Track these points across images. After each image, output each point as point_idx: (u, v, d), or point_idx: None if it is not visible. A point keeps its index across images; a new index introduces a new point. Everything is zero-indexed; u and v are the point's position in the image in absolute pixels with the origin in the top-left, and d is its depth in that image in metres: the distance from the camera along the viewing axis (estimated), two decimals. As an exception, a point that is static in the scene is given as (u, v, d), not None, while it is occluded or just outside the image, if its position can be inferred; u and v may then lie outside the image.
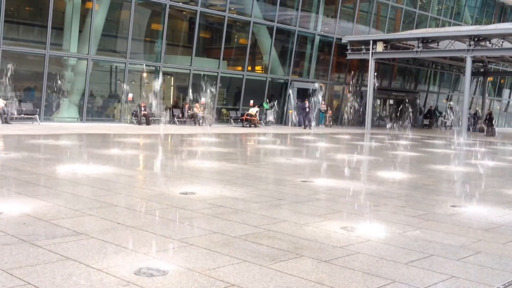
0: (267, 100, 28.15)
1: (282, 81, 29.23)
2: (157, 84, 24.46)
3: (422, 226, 5.63)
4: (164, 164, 10.09)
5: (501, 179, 10.19)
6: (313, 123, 26.84)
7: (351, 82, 32.79)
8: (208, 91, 26.31)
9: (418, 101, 37.29)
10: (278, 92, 29.35)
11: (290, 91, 28.83)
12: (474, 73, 35.39)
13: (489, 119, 30.33)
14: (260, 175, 9.18)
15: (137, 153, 12.53)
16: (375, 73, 29.66)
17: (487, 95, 39.11)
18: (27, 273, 3.68)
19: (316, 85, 30.02)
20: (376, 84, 31.32)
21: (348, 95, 33.34)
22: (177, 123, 24.33)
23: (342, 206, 6.49)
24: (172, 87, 27.48)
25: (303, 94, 28.72)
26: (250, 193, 7.17)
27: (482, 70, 37.05)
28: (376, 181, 8.92)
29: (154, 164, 10.38)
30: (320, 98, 30.43)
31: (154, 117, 23.71)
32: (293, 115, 28.48)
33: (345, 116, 33.40)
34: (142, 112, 22.64)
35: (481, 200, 7.41)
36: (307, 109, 26.75)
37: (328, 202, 6.75)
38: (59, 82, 22.36)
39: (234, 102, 28.24)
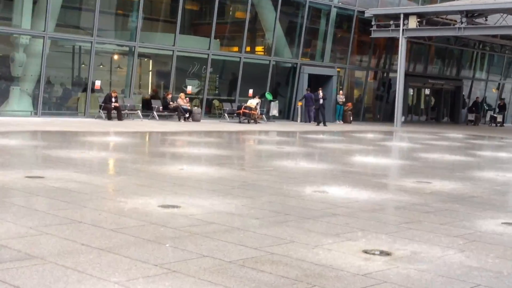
0: (271, 90, 28.22)
1: (290, 65, 29.29)
2: (132, 68, 24.51)
3: (466, 248, 5.63)
4: (140, 170, 10.09)
5: None
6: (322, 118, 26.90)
7: (376, 66, 32.87)
8: (196, 77, 26.39)
9: (461, 91, 37.32)
10: (284, 79, 29.42)
11: (300, 78, 28.89)
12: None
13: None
14: (261, 183, 9.17)
15: (107, 156, 12.53)
16: (407, 56, 29.70)
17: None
18: (-32, 307, 3.68)
19: (333, 70, 30.09)
20: (408, 70, 31.37)
21: (373, 83, 33.43)
22: (157, 117, 24.39)
23: (364, 223, 6.49)
24: (150, 72, 27.54)
25: (316, 82, 28.80)
26: (248, 206, 7.18)
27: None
28: (408, 191, 8.92)
29: (128, 170, 10.38)
30: (336, 87, 30.49)
31: (127, 110, 23.78)
32: (302, 108, 28.53)
33: (369, 109, 33.50)
34: (113, 104, 22.67)
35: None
36: (321, 101, 26.77)
37: (347, 218, 6.75)
38: (8, 66, 22.41)
39: (229, 92, 28.31)
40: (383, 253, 5.30)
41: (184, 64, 25.88)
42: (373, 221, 6.63)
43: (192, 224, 6.11)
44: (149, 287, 4.16)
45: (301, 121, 28.59)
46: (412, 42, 32.31)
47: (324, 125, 26.32)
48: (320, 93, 26.98)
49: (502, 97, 39.12)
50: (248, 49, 28.13)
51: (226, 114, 26.33)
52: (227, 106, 26.65)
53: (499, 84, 39.83)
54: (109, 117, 22.69)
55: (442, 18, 29.72)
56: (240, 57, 27.22)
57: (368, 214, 7.04)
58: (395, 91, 29.51)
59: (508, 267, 5.09)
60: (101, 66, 25.05)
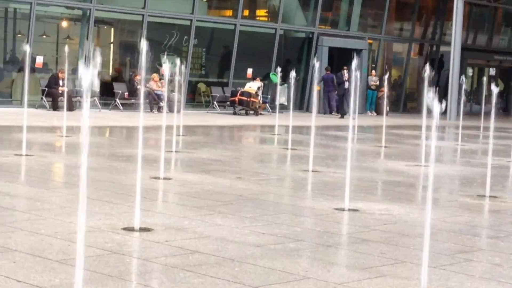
0: (277, 70, 28.24)
1: (304, 35, 29.28)
2: (87, 40, 24.50)
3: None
4: (97, 179, 10.07)
5: None
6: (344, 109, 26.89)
7: (422, 37, 32.86)
8: (175, 52, 26.37)
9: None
10: (296, 54, 29.43)
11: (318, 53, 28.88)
12: None
13: None
14: (264, 198, 9.15)
15: (51, 161, 12.51)
16: (464, 23, 29.64)
17: None
18: None
19: (363, 42, 30.09)
20: (466, 42, 31.33)
21: (417, 60, 33.42)
22: (121, 107, 24.38)
23: (406, 253, 6.48)
24: (112, 45, 27.53)
25: (339, 58, 28.80)
26: (247, 229, 7.16)
27: None
28: (467, 209, 8.91)
29: (80, 178, 10.35)
30: (368, 65, 30.47)
31: (80, 97, 23.75)
32: (320, 94, 28.54)
33: (412, 96, 33.47)
34: (60, 88, 22.66)
35: None
36: (347, 84, 26.79)
37: (382, 245, 6.74)
38: None
39: (219, 73, 28.32)
40: (431, 293, 5.29)
41: (159, 34, 25.87)
42: (417, 250, 6.60)
43: (169, 253, 6.10)
44: None
45: (319, 112, 28.59)
46: (472, 4, 32.29)
47: (342, 116, 26.32)
48: (345, 74, 27.00)
49: None
50: (246, 13, 28.15)
51: (215, 103, 26.33)
52: (217, 92, 26.65)
53: None
54: (55, 107, 22.71)
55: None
56: (235, 24, 27.22)
57: (411, 240, 7.02)
58: (448, 71, 29.50)
59: None
60: (44, 37, 25.06)
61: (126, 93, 24.63)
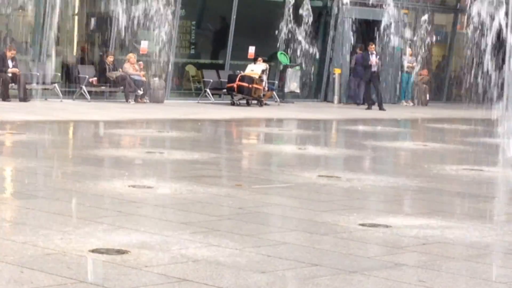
0: (287, 49, 28.26)
1: (320, 3, 29.31)
2: (44, 11, 24.53)
3: None
4: (60, 188, 10.10)
5: None
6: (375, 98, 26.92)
7: (469, 8, 32.85)
8: (156, 28, 26.36)
9: None
10: (310, 28, 29.43)
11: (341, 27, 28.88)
12: None
13: None
14: (270, 211, 9.18)
15: (1, 165, 12.54)
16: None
17: None
18: None
19: (396, 12, 30.08)
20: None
21: (466, 36, 33.38)
22: (88, 96, 24.41)
23: (450, 280, 6.50)
24: (76, 18, 27.56)
25: (366, 34, 28.82)
26: (248, 251, 7.19)
27: None
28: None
29: (39, 188, 10.40)
30: (402, 43, 30.48)
31: (37, 83, 23.78)
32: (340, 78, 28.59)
33: (459, 82, 33.46)
34: (10, 70, 22.66)
35: None
36: (375, 68, 26.78)
37: (420, 270, 6.77)
38: None
39: (213, 52, 28.36)
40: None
41: (137, 2, 25.88)
42: (465, 277, 6.63)
43: (150, 282, 6.12)
44: None
45: (339, 101, 28.63)
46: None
47: (380, 108, 26.30)
48: (373, 54, 26.93)
49: None
50: (246, -23, 28.21)
51: (208, 91, 26.36)
52: (210, 77, 26.69)
53: None
54: (4, 96, 22.72)
55: None
56: (233, -8, 27.28)
57: (457, 264, 7.05)
58: (507, 52, 29.50)
59: None
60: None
61: (95, 79, 24.65)
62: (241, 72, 25.78)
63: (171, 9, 25.94)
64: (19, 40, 25.15)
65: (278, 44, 28.02)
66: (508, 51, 28.96)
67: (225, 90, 26.16)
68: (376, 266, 6.87)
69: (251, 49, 27.20)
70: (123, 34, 25.66)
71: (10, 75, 22.67)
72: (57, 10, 25.50)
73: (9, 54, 22.81)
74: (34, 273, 6.21)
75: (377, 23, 29.54)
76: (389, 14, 29.57)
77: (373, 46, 27.24)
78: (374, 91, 26.97)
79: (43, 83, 23.99)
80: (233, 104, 25.63)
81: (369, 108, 26.57)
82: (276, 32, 28.04)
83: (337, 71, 28.77)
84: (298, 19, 28.90)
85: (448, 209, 9.71)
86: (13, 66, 22.79)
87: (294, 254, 7.20)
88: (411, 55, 30.26)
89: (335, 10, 29.04)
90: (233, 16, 27.10)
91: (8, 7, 25.63)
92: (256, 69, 25.75)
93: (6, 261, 6.53)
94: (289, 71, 28.01)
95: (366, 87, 27.37)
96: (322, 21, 29.33)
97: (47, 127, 17.75)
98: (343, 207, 9.55)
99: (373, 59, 26.77)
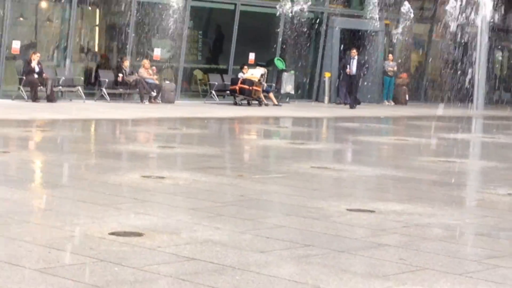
0: (283, 55, 28.21)
1: (312, 15, 29.24)
2: (69, 23, 24.50)
3: None
4: (82, 178, 10.09)
5: None
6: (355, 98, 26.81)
7: (445, 17, 32.78)
8: (168, 36, 26.33)
9: None
10: (303, 38, 29.37)
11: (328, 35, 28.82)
12: None
13: None
14: (268, 198, 9.15)
15: (30, 158, 12.52)
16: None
17: None
18: None
19: (379, 24, 30.02)
20: (495, 21, 31.23)
21: (440, 42, 33.32)
22: (108, 98, 24.39)
23: (428, 259, 6.48)
24: (97, 28, 27.51)
25: (351, 41, 28.76)
26: (249, 233, 7.17)
27: None
28: (496, 208, 8.90)
29: (64, 179, 10.38)
30: (384, 49, 30.42)
31: (62, 86, 23.77)
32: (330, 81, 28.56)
33: (434, 84, 33.42)
34: (36, 73, 22.59)
35: None
36: (353, 70, 26.67)
37: (400, 250, 6.75)
38: None
39: (217, 58, 28.28)
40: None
41: (150, 15, 25.84)
42: (441, 255, 6.61)
43: (162, 260, 6.10)
44: None
45: (329, 101, 28.58)
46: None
47: (351, 107, 26.18)
48: (355, 59, 26.82)
49: None
50: (247, -9, 28.13)
51: (214, 92, 26.35)
52: (215, 80, 26.66)
53: None
54: (34, 97, 22.69)
55: None
56: (235, 4, 27.21)
57: (434, 244, 7.03)
58: (474, 56, 29.45)
59: None
60: (21, 19, 25.04)
61: (114, 82, 24.55)
62: (242, 75, 25.72)
63: (181, 21, 25.90)
64: (47, 47, 25.10)
65: (275, 52, 27.97)
66: (475, 58, 28.95)
67: (228, 92, 26.14)
68: (361, 246, 6.86)
69: (251, 56, 27.16)
70: (138, 42, 25.64)
71: (36, 77, 22.56)
72: (80, 21, 25.46)
73: (33, 57, 22.73)
74: (60, 253, 6.21)
75: (362, 32, 29.52)
76: (373, 24, 29.54)
77: (354, 51, 27.17)
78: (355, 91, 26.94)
79: (68, 86, 23.98)
80: (235, 104, 25.60)
81: (352, 107, 26.44)
82: (273, 40, 28.02)
83: (327, 74, 28.75)
84: (292, 29, 28.85)
85: (425, 196, 9.69)
86: (39, 70, 22.71)
87: (289, 236, 7.18)
88: (392, 60, 30.22)
89: (325, 20, 28.98)
90: (235, 27, 27.05)
91: (37, 18, 25.59)
92: (256, 73, 25.74)
93: (35, 243, 6.53)
94: (285, 75, 27.99)
95: (347, 89, 27.29)
96: (314, 31, 29.25)
97: (71, 125, 17.73)
98: (333, 194, 9.54)
99: (353, 65, 26.71)
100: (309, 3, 28.51)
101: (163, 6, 25.91)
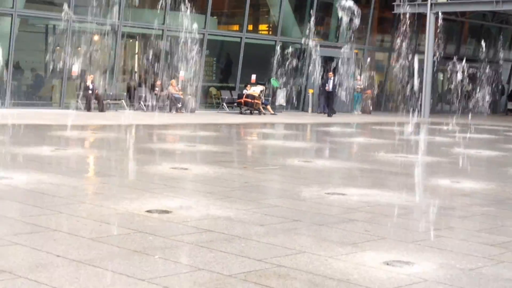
0: (277, 75, 28.17)
1: (299, 46, 29.23)
2: (115, 51, 24.52)
3: (505, 259, 5.63)
4: (125, 169, 10.10)
5: None
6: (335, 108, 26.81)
7: (400, 48, 32.76)
8: (190, 61, 26.33)
9: (499, 76, 37.20)
10: (293, 62, 29.35)
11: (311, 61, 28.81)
12: None
13: None
14: (266, 184, 9.17)
15: (85, 154, 12.55)
16: (436, 35, 29.59)
17: None
18: None
19: (347, 52, 30.01)
20: (438, 51, 31.26)
21: (396, 66, 33.32)
22: (144, 108, 24.41)
23: (386, 231, 6.49)
24: (136, 56, 27.53)
25: (329, 66, 28.74)
26: (251, 211, 7.18)
27: None
28: (438, 193, 8.91)
29: (111, 169, 10.40)
30: (354, 71, 30.41)
31: (110, 100, 23.79)
32: (313, 96, 28.53)
33: (392, 97, 33.40)
34: (90, 90, 22.68)
35: None
36: (330, 87, 26.69)
37: (366, 224, 6.76)
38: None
39: (228, 78, 28.28)
40: (407, 265, 5.30)
41: (176, 46, 25.84)
42: (396, 228, 6.63)
43: (185, 232, 6.12)
44: (136, 306, 4.18)
45: (313, 111, 28.55)
46: (442, 19, 32.18)
47: (328, 115, 26.21)
48: (331, 79, 26.87)
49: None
50: (250, 27, 28.12)
51: (224, 104, 26.35)
52: (225, 95, 26.69)
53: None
54: (88, 108, 22.73)
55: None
56: (241, 37, 27.21)
57: (391, 219, 7.04)
58: (423, 76, 29.44)
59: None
60: (79, 49, 25.03)
61: (150, 97, 24.55)
62: (246, 91, 25.74)
63: (200, 50, 25.92)
64: (99, 70, 25.12)
65: (271, 73, 27.96)
66: (423, 78, 28.98)
67: (236, 104, 26.16)
68: (336, 221, 6.87)
69: (253, 76, 27.13)
70: (167, 66, 25.65)
71: (90, 93, 22.67)
72: (124, 50, 25.46)
73: (88, 78, 22.88)
74: (109, 226, 6.22)
75: (337, 58, 29.52)
76: (345, 53, 29.50)
77: (331, 73, 27.20)
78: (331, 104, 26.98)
79: (114, 99, 23.99)
80: (241, 113, 25.58)
81: (329, 116, 26.43)
82: (270, 65, 28.01)
83: (310, 91, 28.72)
84: (284, 56, 28.84)
85: (385, 183, 9.71)
86: (92, 88, 22.84)
87: (282, 213, 7.20)
88: (359, 80, 30.22)
89: (309, 50, 28.98)
90: (241, 55, 27.06)
91: (91, 48, 25.58)
92: (256, 90, 25.80)
93: (89, 218, 6.55)
94: (278, 91, 27.99)
95: (325, 102, 27.31)
96: (301, 57, 29.24)
97: (117, 129, 17.73)
98: (314, 181, 9.55)
99: (330, 84, 26.76)
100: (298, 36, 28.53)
101: (186, 39, 25.91)
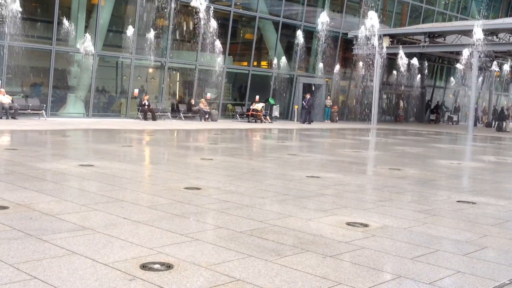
0: (273, 96, 28.11)
1: (288, 76, 29.19)
2: (163, 79, 24.50)
3: (428, 221, 5.61)
4: (170, 159, 10.11)
5: (508, 174, 10.13)
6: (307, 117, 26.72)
7: (357, 77, 32.68)
8: (214, 86, 26.32)
9: (424, 96, 37.11)
10: (284, 87, 29.33)
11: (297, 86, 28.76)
12: (482, 68, 35.19)
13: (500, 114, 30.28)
14: (265, 170, 9.17)
15: (143, 148, 12.56)
16: (382, 68, 29.53)
17: (493, 89, 38.89)
18: (33, 267, 3.70)
19: (322, 80, 29.94)
20: (382, 79, 31.18)
21: (354, 90, 33.24)
22: (183, 118, 24.37)
23: (347, 202, 6.48)
24: (178, 82, 27.51)
25: (308, 90, 28.68)
26: (255, 188, 7.18)
27: (489, 64, 36.82)
28: (382, 176, 8.90)
29: (160, 159, 10.40)
30: (325, 93, 30.35)
31: (160, 112, 23.77)
32: (298, 110, 28.47)
33: (351, 111, 33.34)
34: (146, 106, 22.73)
35: (487, 195, 7.38)
36: (308, 105, 26.65)
37: (334, 197, 6.74)
38: (66, 77, 22.44)
39: (239, 98, 28.23)
40: (362, 225, 5.29)
41: (205, 76, 25.86)
42: (354, 200, 6.62)
43: (210, 202, 6.12)
44: (176, 252, 4.17)
45: (297, 120, 28.48)
46: (386, 58, 32.11)
47: (309, 123, 26.16)
48: (308, 96, 26.81)
49: (457, 101, 39.06)
50: (255, 63, 28.04)
51: (237, 115, 26.32)
52: (238, 109, 26.67)
53: (454, 91, 39.70)
54: (145, 118, 22.73)
55: (409, 38, 29.70)
56: (248, 70, 27.17)
57: (351, 194, 7.03)
58: (372, 96, 29.40)
59: (462, 235, 5.07)
60: (138, 78, 25.04)
61: (186, 110, 24.44)
62: (252, 107, 25.75)
63: (220, 78, 25.91)
64: (152, 92, 25.12)
65: (269, 94, 27.93)
66: (372, 98, 28.90)
67: (245, 115, 26.12)
68: (313, 195, 6.86)
69: (257, 97, 27.05)
70: (199, 89, 25.61)
71: (148, 108, 22.62)
72: (168, 79, 25.43)
73: (144, 98, 22.87)
74: (158, 198, 6.21)
75: (314, 85, 29.49)
76: (319, 81, 29.42)
77: (308, 95, 27.11)
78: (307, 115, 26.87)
79: (162, 112, 23.96)
80: (248, 121, 25.55)
81: (303, 123, 26.35)
82: (268, 88, 28.00)
83: (296, 106, 28.65)
84: (278, 83, 28.79)
85: (346, 169, 9.68)
86: (147, 104, 22.82)
87: (276, 189, 7.18)
88: (329, 99, 30.14)
89: (294, 79, 28.95)
90: (249, 82, 27.03)
91: (146, 76, 25.58)
92: (259, 105, 25.80)
93: (145, 193, 6.54)
94: (274, 107, 27.93)
95: (306, 114, 27.20)
96: (289, 84, 29.19)
97: (164, 132, 17.72)
98: (299, 168, 9.54)
99: (309, 102, 26.66)
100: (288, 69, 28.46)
101: (211, 72, 25.88)
